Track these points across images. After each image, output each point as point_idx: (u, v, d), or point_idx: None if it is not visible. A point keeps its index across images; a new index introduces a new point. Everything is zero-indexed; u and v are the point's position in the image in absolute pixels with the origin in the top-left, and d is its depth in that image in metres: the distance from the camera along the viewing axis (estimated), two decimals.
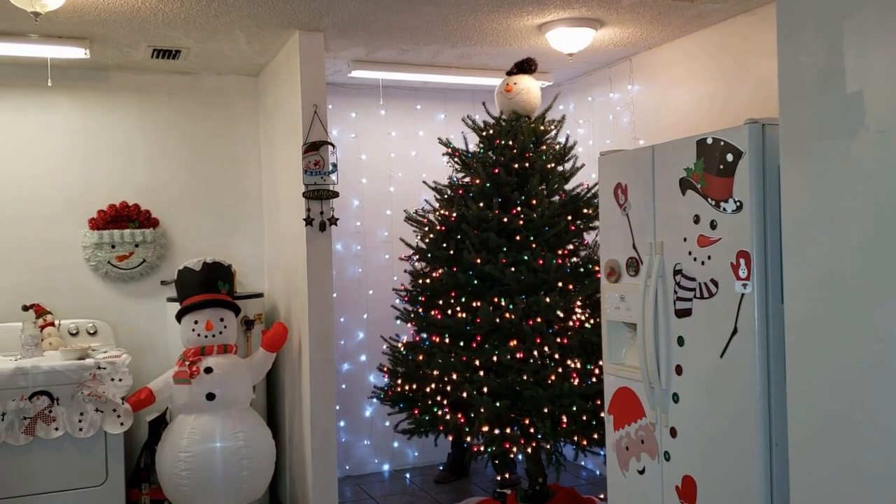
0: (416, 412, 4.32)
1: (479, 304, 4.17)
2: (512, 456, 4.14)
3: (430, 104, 5.74)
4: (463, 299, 4.26)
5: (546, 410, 4.00)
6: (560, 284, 4.20)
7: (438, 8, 3.93)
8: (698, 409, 2.98)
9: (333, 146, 4.31)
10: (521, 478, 4.83)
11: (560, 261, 4.22)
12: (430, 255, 4.42)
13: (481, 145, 4.50)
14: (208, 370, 4.18)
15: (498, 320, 4.10)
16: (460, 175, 4.55)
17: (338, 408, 4.95)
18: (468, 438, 4.21)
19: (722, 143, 2.83)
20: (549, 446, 4.11)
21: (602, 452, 3.97)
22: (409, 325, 4.61)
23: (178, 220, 5.08)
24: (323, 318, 4.29)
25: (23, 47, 4.24)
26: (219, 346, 4.28)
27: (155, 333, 4.92)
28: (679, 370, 3.06)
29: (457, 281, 4.24)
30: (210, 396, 4.16)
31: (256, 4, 3.79)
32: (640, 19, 4.25)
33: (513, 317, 4.08)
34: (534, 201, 4.26)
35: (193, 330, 4.25)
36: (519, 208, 4.25)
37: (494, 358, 4.07)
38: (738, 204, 2.77)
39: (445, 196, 4.52)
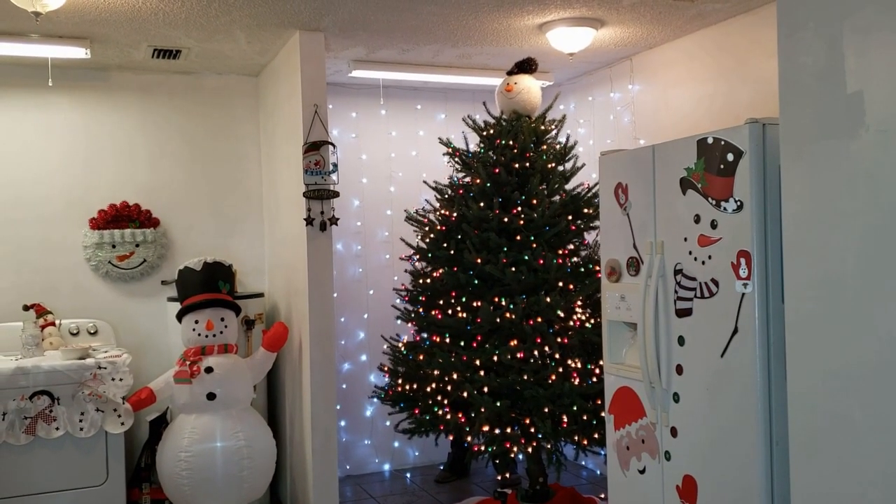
0: (417, 412, 4.32)
1: (479, 303, 4.17)
2: (512, 455, 4.15)
3: (430, 104, 5.74)
4: (463, 299, 4.26)
5: (546, 410, 4.00)
6: (560, 284, 4.20)
7: (439, 8, 3.93)
8: (699, 408, 2.98)
9: (334, 146, 4.32)
10: (522, 477, 4.83)
11: (560, 260, 4.22)
12: (430, 254, 4.42)
13: (482, 145, 4.51)
14: (209, 370, 4.18)
15: (498, 320, 4.10)
16: (461, 175, 4.55)
17: (338, 407, 4.95)
18: (469, 438, 4.21)
19: (722, 143, 2.83)
20: (549, 446, 4.11)
21: (602, 452, 3.97)
22: (409, 324, 4.61)
23: (178, 219, 5.09)
24: (323, 317, 4.29)
25: (23, 47, 4.24)
26: (219, 345, 4.28)
27: (155, 333, 4.92)
28: (679, 370, 3.06)
29: (457, 281, 4.24)
30: (211, 396, 4.16)
31: (257, 4, 3.79)
32: (640, 19, 4.25)
33: (513, 316, 4.08)
34: (534, 201, 4.26)
35: (194, 330, 4.26)
36: (519, 208, 4.25)
37: (495, 358, 4.07)
38: (738, 203, 2.78)
39: (446, 196, 4.53)
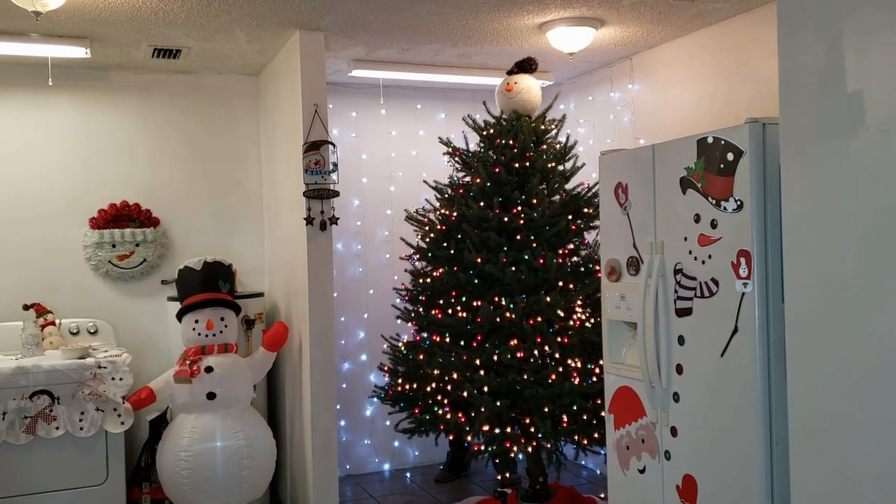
0: (417, 411, 4.32)
1: (479, 303, 4.17)
2: (512, 455, 4.15)
3: (430, 103, 5.74)
4: (463, 299, 4.26)
5: (546, 410, 4.00)
6: (560, 284, 4.20)
7: (439, 7, 3.93)
8: (699, 408, 2.98)
9: (334, 145, 4.32)
10: (522, 477, 4.83)
11: (560, 260, 4.22)
12: (430, 254, 4.42)
13: (482, 145, 4.51)
14: (209, 369, 4.19)
15: (498, 320, 4.10)
16: (461, 174, 4.55)
17: (338, 407, 4.96)
18: (469, 438, 4.21)
19: (722, 143, 2.83)
20: (549, 445, 4.11)
21: (602, 452, 3.97)
22: (409, 324, 4.61)
23: (178, 219, 5.09)
24: (323, 317, 4.29)
25: (24, 47, 4.24)
26: (219, 345, 4.28)
27: (155, 333, 4.92)
28: (679, 369, 3.06)
29: (457, 280, 4.24)
30: (211, 396, 4.16)
31: (257, 4, 3.79)
32: (640, 19, 4.25)
33: (513, 316, 4.08)
34: (534, 201, 4.26)
35: (194, 329, 4.26)
36: (519, 208, 4.25)
37: (495, 357, 4.07)
38: (738, 203, 2.78)
39: (446, 195, 4.53)
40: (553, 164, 4.42)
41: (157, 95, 5.05)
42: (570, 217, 4.33)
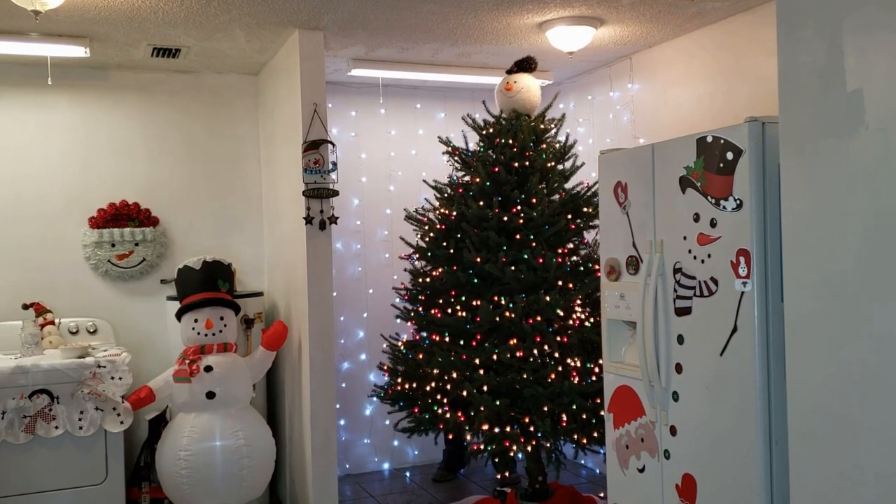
0: (416, 411, 4.32)
1: (479, 302, 4.17)
2: (512, 454, 4.15)
3: (429, 103, 5.74)
4: (463, 298, 4.26)
5: (546, 409, 4.00)
6: (560, 283, 4.20)
7: (438, 6, 3.93)
8: (698, 407, 2.98)
9: (333, 145, 4.32)
10: (521, 476, 4.83)
11: (560, 259, 4.22)
12: (430, 253, 4.42)
13: (481, 144, 4.51)
14: (208, 369, 4.18)
15: (498, 319, 4.10)
16: (460, 174, 4.55)
17: (338, 406, 4.96)
18: (468, 436, 4.21)
19: (722, 142, 2.83)
20: (548, 445, 4.12)
21: (602, 451, 3.97)
22: (409, 323, 4.61)
23: (177, 218, 5.08)
24: (323, 316, 4.29)
25: (23, 46, 4.23)
26: (219, 344, 4.28)
27: (155, 332, 4.92)
28: (679, 368, 3.06)
29: (457, 280, 4.24)
30: (210, 395, 4.16)
31: (256, 3, 3.79)
32: (640, 18, 4.25)
33: (513, 315, 4.08)
34: (534, 200, 4.26)
35: (193, 328, 4.26)
36: (519, 207, 4.25)
37: (494, 356, 4.07)
38: (738, 202, 2.77)
39: (445, 195, 4.53)
40: (552, 164, 4.42)
41: (156, 95, 5.05)
42: (569, 216, 4.33)
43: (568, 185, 4.48)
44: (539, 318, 4.10)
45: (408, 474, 5.49)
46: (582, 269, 4.29)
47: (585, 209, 4.41)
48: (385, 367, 4.63)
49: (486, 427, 4.03)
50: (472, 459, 5.17)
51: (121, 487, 4.23)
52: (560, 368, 4.07)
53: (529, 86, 4.51)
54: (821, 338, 2.29)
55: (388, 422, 5.29)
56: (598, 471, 5.37)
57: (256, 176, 5.30)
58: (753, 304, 2.74)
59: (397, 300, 4.75)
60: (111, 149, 4.96)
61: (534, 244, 4.21)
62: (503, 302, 4.15)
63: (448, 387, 4.18)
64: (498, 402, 4.00)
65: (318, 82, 4.27)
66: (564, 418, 4.02)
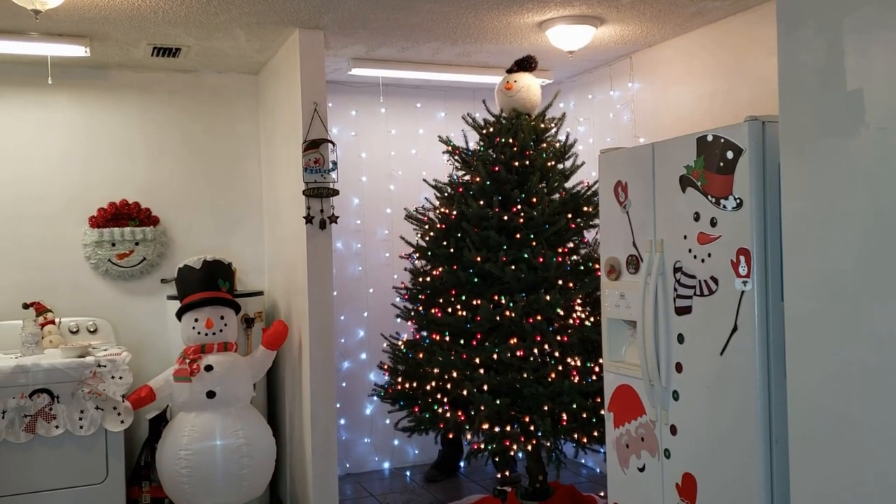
0: (417, 410, 4.32)
1: (479, 302, 4.17)
2: (512, 453, 4.15)
3: (430, 102, 5.74)
4: (463, 297, 4.26)
5: (546, 408, 4.00)
6: (560, 282, 4.20)
7: (438, 6, 3.93)
8: (698, 406, 2.98)
9: (333, 144, 4.32)
10: (522, 475, 4.83)
11: (560, 259, 4.22)
12: (430, 253, 4.42)
13: (481, 143, 4.50)
14: (209, 368, 4.18)
15: (498, 318, 4.10)
16: (460, 173, 4.55)
17: (338, 406, 4.96)
18: (468, 436, 4.21)
19: (722, 141, 2.83)
20: (549, 444, 4.11)
21: (602, 450, 3.97)
22: (409, 323, 4.61)
23: (178, 218, 5.09)
24: (323, 316, 4.29)
25: (23, 45, 4.23)
26: (219, 343, 4.28)
27: (155, 331, 4.92)
28: (679, 368, 3.06)
29: (457, 279, 4.24)
30: (210, 394, 4.16)
31: (256, 2, 3.79)
32: (640, 17, 4.25)
33: (513, 315, 4.08)
34: (534, 199, 4.26)
35: (194, 328, 4.26)
36: (519, 206, 4.25)
37: (495, 356, 4.07)
38: (738, 201, 2.77)
39: (445, 194, 4.52)
40: (553, 163, 4.42)
41: (156, 94, 5.05)
42: (569, 215, 4.33)
43: (568, 185, 4.48)
44: (539, 318, 4.10)
45: (408, 473, 5.49)
46: (582, 268, 4.28)
47: (586, 208, 4.40)
48: (385, 367, 4.63)
49: (486, 426, 4.03)
50: (473, 459, 5.17)
51: (121, 487, 4.23)
52: (560, 368, 4.07)
53: (530, 85, 4.51)
54: (821, 337, 2.29)
55: (388, 421, 5.29)
56: (598, 470, 5.37)
57: (257, 175, 5.30)
58: (754, 303, 2.74)
59: (397, 299, 4.75)
60: (111, 148, 4.96)
61: (534, 243, 4.21)
62: (503, 301, 4.15)
63: (448, 386, 4.18)
64: (498, 402, 4.00)
65: (319, 81, 4.27)
66: (565, 417, 4.02)
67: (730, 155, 2.79)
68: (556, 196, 4.40)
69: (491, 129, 4.48)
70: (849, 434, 2.21)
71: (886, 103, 2.07)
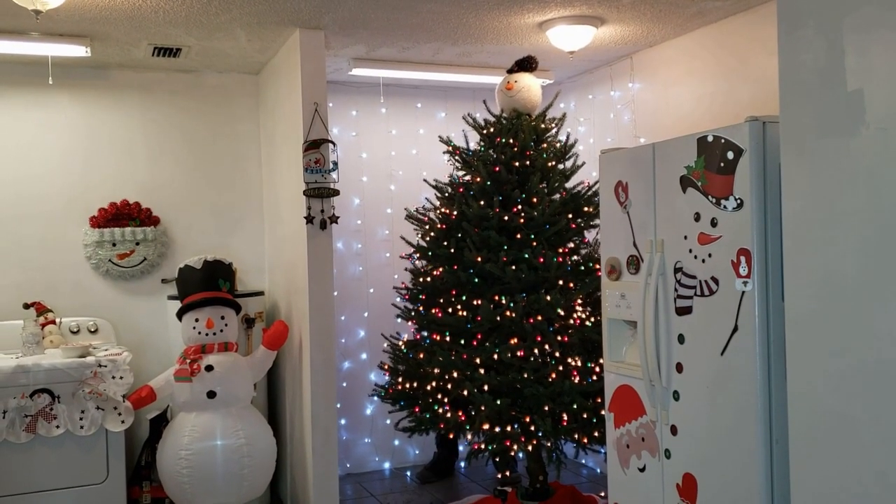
0: (417, 410, 4.32)
1: (479, 302, 4.17)
2: (512, 454, 4.15)
3: (430, 102, 5.74)
4: (463, 297, 4.26)
5: (546, 408, 4.00)
6: (561, 282, 4.20)
7: (439, 6, 3.93)
8: (699, 406, 2.98)
9: (334, 144, 4.32)
10: (522, 475, 4.83)
11: (561, 259, 4.22)
12: (430, 253, 4.42)
13: (482, 143, 4.50)
14: (209, 368, 4.19)
15: (498, 318, 4.10)
16: (461, 173, 4.55)
17: (338, 406, 4.95)
18: (469, 436, 4.21)
19: (723, 141, 2.83)
20: (549, 444, 4.11)
21: (602, 450, 3.97)
22: (409, 323, 4.61)
23: (178, 218, 5.09)
24: (324, 316, 4.29)
25: (24, 45, 4.23)
26: (220, 343, 4.28)
27: (156, 331, 4.93)
28: (679, 368, 3.06)
29: (457, 279, 4.24)
30: (211, 394, 4.16)
31: (257, 2, 3.79)
32: (640, 17, 4.25)
33: (513, 315, 4.08)
34: (534, 199, 4.26)
35: (194, 328, 4.26)
36: (519, 206, 4.25)
37: (495, 356, 4.07)
38: (738, 201, 2.77)
39: (446, 194, 4.53)
40: (553, 163, 4.42)
41: (157, 94, 5.06)
42: (570, 216, 4.33)
43: (569, 185, 4.48)
44: (540, 318, 4.10)
45: (408, 474, 5.49)
46: (583, 268, 4.28)
47: (586, 208, 4.40)
48: (386, 367, 4.63)
49: (486, 426, 4.03)
50: (473, 459, 5.17)
51: (122, 487, 4.23)
52: (561, 368, 4.07)
53: (530, 85, 4.51)
54: (821, 337, 2.29)
55: (388, 421, 5.30)
56: (598, 470, 5.37)
57: (257, 175, 5.30)
58: (754, 303, 2.74)
59: (398, 299, 4.75)
60: (112, 148, 4.96)
61: (534, 243, 4.21)
62: (504, 301, 4.15)
63: (449, 386, 4.18)
64: (499, 402, 4.00)
65: (319, 82, 4.27)
66: (565, 418, 4.02)
67: (730, 155, 2.79)
68: (557, 196, 4.40)
69: (491, 130, 4.48)
70: (849, 434, 2.21)
71: (887, 103, 2.07)
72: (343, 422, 5.42)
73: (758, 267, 2.73)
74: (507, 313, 4.09)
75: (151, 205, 5.00)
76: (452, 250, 4.32)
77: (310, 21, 4.12)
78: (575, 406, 3.99)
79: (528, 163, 4.34)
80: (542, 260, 4.15)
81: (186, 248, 5.05)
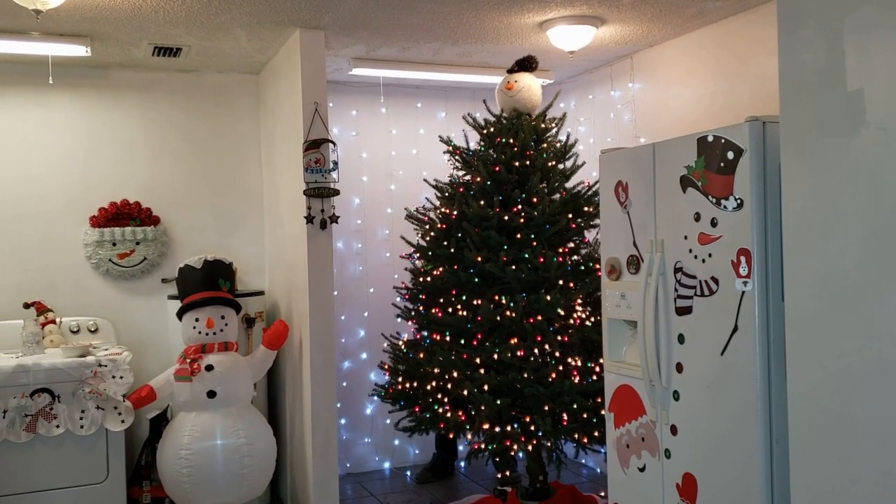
0: (417, 410, 4.32)
1: (479, 302, 4.17)
2: (512, 453, 4.15)
3: (430, 102, 5.74)
4: (464, 297, 4.26)
5: (547, 408, 4.00)
6: (561, 282, 4.20)
7: (439, 6, 3.93)
8: (699, 406, 2.98)
9: (334, 144, 4.32)
10: (522, 475, 4.83)
11: (561, 259, 4.22)
12: (430, 252, 4.42)
13: (482, 143, 4.51)
14: (209, 368, 4.19)
15: (499, 318, 4.10)
16: (461, 173, 4.55)
17: (339, 405, 4.95)
18: (469, 436, 4.21)
19: (723, 141, 2.83)
20: (549, 444, 4.12)
21: (602, 450, 3.97)
22: (409, 322, 4.61)
23: (179, 217, 5.09)
24: (324, 315, 4.29)
25: (24, 45, 4.24)
26: (220, 343, 4.28)
27: (156, 331, 4.93)
28: (679, 368, 3.06)
29: (457, 279, 4.24)
30: (211, 394, 4.16)
31: (257, 2, 3.79)
32: (640, 17, 4.25)
33: (513, 315, 4.08)
34: (534, 199, 4.26)
35: (194, 327, 4.26)
36: (520, 206, 4.25)
37: (495, 356, 4.07)
38: (738, 201, 2.78)
39: (446, 194, 4.53)
40: (553, 163, 4.42)
41: (157, 94, 5.06)
42: (570, 215, 4.33)
43: (569, 185, 4.48)
44: (540, 318, 4.10)
45: (408, 473, 5.49)
46: (583, 268, 4.29)
47: (586, 208, 4.41)
48: (386, 367, 4.64)
49: (486, 426, 4.03)
50: (473, 459, 5.17)
51: (122, 486, 4.23)
52: (561, 368, 4.07)
53: (530, 85, 4.51)
54: (821, 337, 2.29)
55: (388, 421, 5.30)
56: (598, 470, 5.37)
57: (257, 175, 5.30)
58: (754, 303, 2.74)
59: (398, 299, 4.75)
60: (112, 148, 4.96)
61: (534, 243, 4.21)
62: (504, 301, 4.15)
63: (449, 386, 4.18)
64: (499, 402, 4.01)
65: (319, 81, 4.27)
66: (565, 417, 4.02)
67: (730, 155, 2.79)
68: (557, 196, 4.40)
69: (491, 129, 4.48)
70: (849, 433, 2.21)
71: (887, 103, 2.07)
72: (343, 421, 5.42)
73: (758, 267, 2.73)
74: (507, 313, 4.09)
75: (151, 204, 5.00)
76: (452, 250, 4.32)
77: (310, 21, 4.12)
78: (575, 406, 3.99)
79: (528, 163, 4.34)
80: (542, 260, 4.15)
81: (186, 248, 5.05)
